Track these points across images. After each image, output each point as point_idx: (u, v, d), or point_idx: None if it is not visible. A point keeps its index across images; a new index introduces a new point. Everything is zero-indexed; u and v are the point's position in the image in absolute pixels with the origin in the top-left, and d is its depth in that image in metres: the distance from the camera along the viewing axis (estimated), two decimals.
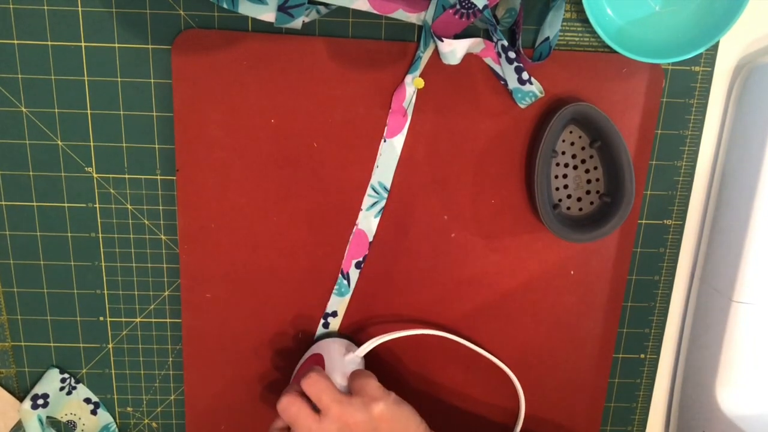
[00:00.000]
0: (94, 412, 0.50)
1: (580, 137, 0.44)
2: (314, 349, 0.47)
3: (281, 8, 0.39)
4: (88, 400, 0.50)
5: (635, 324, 0.50)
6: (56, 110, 0.44)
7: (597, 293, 0.48)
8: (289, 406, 0.39)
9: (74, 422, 0.50)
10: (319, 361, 0.44)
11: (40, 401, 0.48)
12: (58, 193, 0.46)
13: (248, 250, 0.46)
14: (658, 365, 0.51)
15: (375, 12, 0.40)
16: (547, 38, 0.43)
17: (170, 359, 0.50)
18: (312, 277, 0.47)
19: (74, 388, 0.49)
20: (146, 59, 0.43)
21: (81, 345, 0.49)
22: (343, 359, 0.44)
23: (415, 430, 0.41)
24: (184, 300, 0.47)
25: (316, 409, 0.39)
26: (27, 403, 0.48)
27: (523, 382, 0.50)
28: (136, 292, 0.48)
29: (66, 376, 0.49)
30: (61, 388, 0.49)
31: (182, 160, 0.44)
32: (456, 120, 0.44)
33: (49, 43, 0.43)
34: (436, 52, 0.43)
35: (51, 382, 0.49)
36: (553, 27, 0.42)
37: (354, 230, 0.46)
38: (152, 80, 0.44)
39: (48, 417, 0.49)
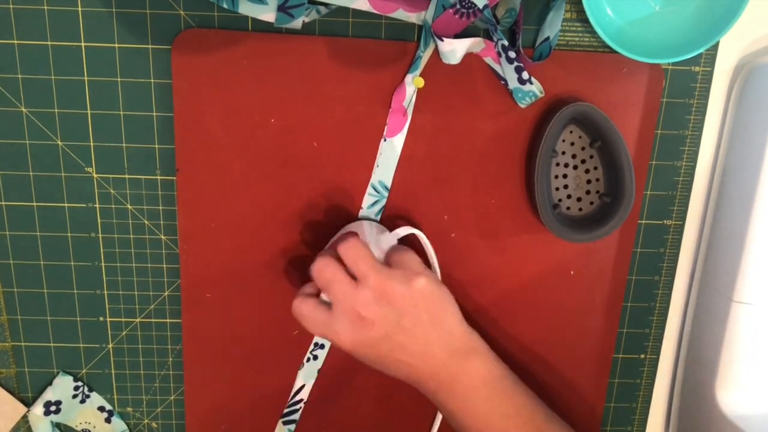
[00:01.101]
0: (108, 420, 0.50)
1: (580, 137, 0.44)
2: (348, 228, 0.44)
3: (281, 8, 0.39)
4: (102, 408, 0.50)
5: (635, 324, 0.50)
6: (56, 110, 0.44)
7: (597, 293, 0.48)
8: (324, 268, 0.37)
9: (89, 431, 0.50)
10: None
11: (53, 408, 0.48)
12: (58, 193, 0.46)
13: (248, 250, 0.46)
14: (658, 365, 0.51)
15: (375, 12, 0.40)
16: (548, 38, 0.43)
17: (170, 359, 0.50)
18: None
19: (87, 396, 0.49)
20: (146, 59, 0.43)
21: (81, 345, 0.49)
22: (378, 237, 0.41)
23: (453, 313, 0.40)
24: (184, 300, 0.47)
25: (352, 276, 0.37)
26: (39, 408, 0.48)
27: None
28: (136, 292, 0.48)
29: (79, 384, 0.49)
30: (74, 396, 0.49)
31: (182, 160, 0.44)
32: (456, 120, 0.44)
33: (49, 43, 0.43)
34: (437, 51, 0.43)
35: (64, 389, 0.49)
36: (553, 27, 0.42)
37: None
38: (152, 80, 0.44)
39: (61, 424, 0.49)
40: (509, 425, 0.40)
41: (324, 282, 0.38)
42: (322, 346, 0.49)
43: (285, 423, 0.50)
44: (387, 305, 0.37)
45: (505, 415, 0.40)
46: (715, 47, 0.45)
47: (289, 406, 0.50)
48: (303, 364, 0.49)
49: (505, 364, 0.42)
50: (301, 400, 0.50)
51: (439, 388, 0.40)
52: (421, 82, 0.43)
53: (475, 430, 0.40)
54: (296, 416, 0.50)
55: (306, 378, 0.49)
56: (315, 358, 0.49)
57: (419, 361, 0.39)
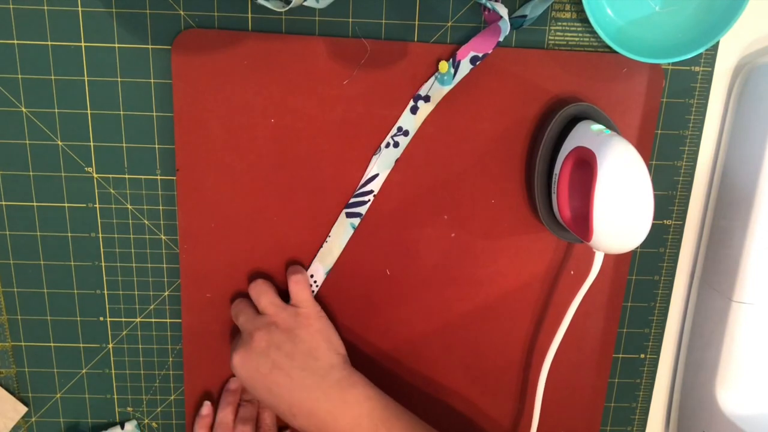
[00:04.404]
0: None
1: None
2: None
3: None
4: None
5: (635, 324, 0.50)
6: (56, 110, 0.44)
7: (597, 293, 0.48)
8: (237, 305, 0.46)
9: None
10: None
11: None
12: (58, 193, 0.46)
13: (248, 250, 0.46)
14: (658, 365, 0.51)
15: None
16: (525, 16, 0.42)
17: (170, 359, 0.50)
18: None
19: None
20: (146, 59, 0.43)
21: (81, 345, 0.49)
22: None
23: (328, 347, 0.43)
24: (184, 300, 0.47)
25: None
26: None
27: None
28: (136, 292, 0.48)
29: None
30: None
31: (182, 160, 0.44)
32: (456, 120, 0.44)
33: (49, 43, 0.43)
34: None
35: None
36: (534, 11, 0.42)
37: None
38: (152, 80, 0.44)
39: None
40: None
41: (234, 313, 0.45)
42: (406, 133, 0.44)
43: (349, 216, 0.46)
44: (274, 329, 0.42)
45: None
46: (715, 47, 0.45)
47: (356, 197, 0.45)
48: (380, 149, 0.45)
49: (389, 398, 0.43)
50: (371, 191, 0.45)
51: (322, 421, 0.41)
52: (445, 67, 0.42)
53: None
54: (363, 209, 0.45)
55: (381, 167, 0.45)
56: (396, 144, 0.44)
57: (299, 388, 0.41)
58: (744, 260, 0.44)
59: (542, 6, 0.42)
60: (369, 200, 0.45)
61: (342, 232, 0.46)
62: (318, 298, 0.47)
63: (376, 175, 0.45)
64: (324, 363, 0.42)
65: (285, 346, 0.42)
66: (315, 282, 0.47)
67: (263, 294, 0.44)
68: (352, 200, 0.45)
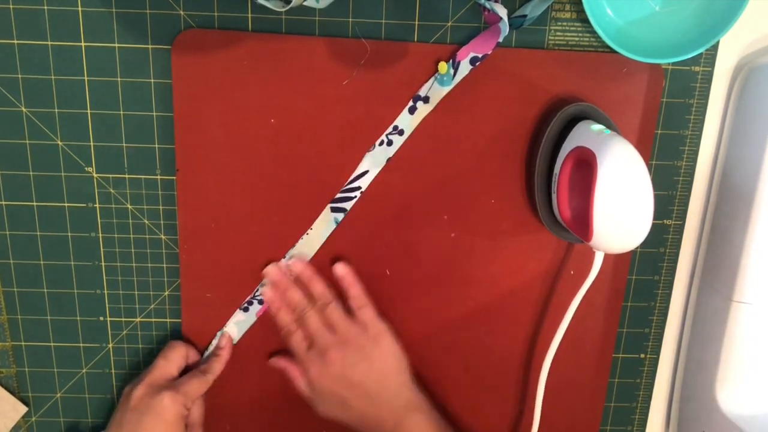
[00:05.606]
0: None
1: None
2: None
3: None
4: None
5: (635, 324, 0.50)
6: (56, 110, 0.44)
7: (597, 293, 0.48)
8: (294, 311, 0.46)
9: None
10: None
11: None
12: (58, 193, 0.46)
13: (248, 250, 0.46)
14: (658, 365, 0.51)
15: None
16: (525, 16, 0.42)
17: None
18: None
19: None
20: (146, 59, 0.43)
21: (81, 345, 0.49)
22: None
23: (398, 368, 0.46)
24: (184, 300, 0.47)
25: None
26: None
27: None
28: (136, 292, 0.48)
29: None
30: None
31: (182, 160, 0.44)
32: (456, 120, 0.44)
33: (49, 43, 0.43)
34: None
35: None
36: (534, 10, 0.42)
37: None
38: (152, 80, 0.44)
39: None
40: None
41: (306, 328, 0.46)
42: (401, 132, 0.44)
43: (333, 210, 0.46)
44: (348, 349, 0.44)
45: None
46: (715, 47, 0.45)
47: (343, 192, 0.45)
48: (374, 146, 0.45)
49: (447, 423, 0.46)
50: (359, 188, 0.45)
51: None
52: (444, 68, 0.42)
53: None
54: (348, 205, 0.45)
55: (371, 165, 0.45)
56: (390, 143, 0.44)
57: (370, 407, 0.44)
58: (744, 260, 0.44)
59: (542, 6, 0.42)
60: (355, 197, 0.45)
61: (324, 225, 0.46)
62: None
63: (366, 172, 0.45)
64: (395, 383, 0.45)
65: (360, 366, 0.44)
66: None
67: (335, 312, 0.45)
68: (339, 195, 0.45)
